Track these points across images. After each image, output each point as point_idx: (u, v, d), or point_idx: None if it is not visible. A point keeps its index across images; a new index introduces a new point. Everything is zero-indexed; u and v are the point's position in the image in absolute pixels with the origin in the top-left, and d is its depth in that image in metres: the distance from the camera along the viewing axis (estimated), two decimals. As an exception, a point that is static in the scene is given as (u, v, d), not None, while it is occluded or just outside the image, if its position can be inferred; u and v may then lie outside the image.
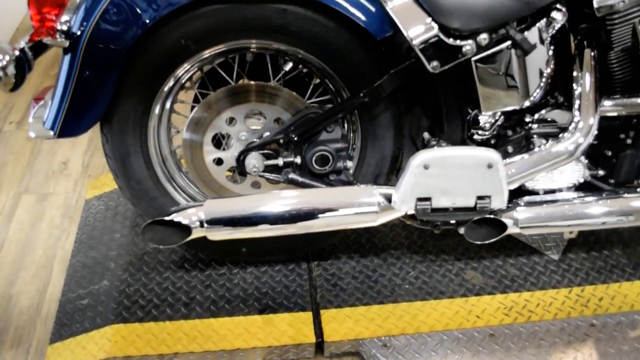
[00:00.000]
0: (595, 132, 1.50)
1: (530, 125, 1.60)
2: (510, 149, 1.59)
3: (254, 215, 1.40)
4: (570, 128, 1.51)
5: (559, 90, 1.59)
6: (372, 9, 1.41)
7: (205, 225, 1.39)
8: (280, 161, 1.54)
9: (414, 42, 1.39)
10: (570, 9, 1.50)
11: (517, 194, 1.59)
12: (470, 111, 1.57)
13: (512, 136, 1.60)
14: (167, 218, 1.38)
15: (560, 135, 1.53)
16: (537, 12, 1.43)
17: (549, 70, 1.53)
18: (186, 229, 1.39)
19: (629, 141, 1.64)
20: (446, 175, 1.39)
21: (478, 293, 1.77)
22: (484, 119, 1.56)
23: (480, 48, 1.43)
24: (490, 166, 1.40)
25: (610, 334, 1.70)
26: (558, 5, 1.44)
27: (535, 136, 1.60)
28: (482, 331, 1.68)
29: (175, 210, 1.40)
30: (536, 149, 1.52)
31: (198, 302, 1.71)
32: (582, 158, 1.59)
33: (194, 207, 1.40)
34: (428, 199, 1.42)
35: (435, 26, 1.39)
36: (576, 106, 1.51)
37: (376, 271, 1.81)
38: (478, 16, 1.38)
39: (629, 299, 1.79)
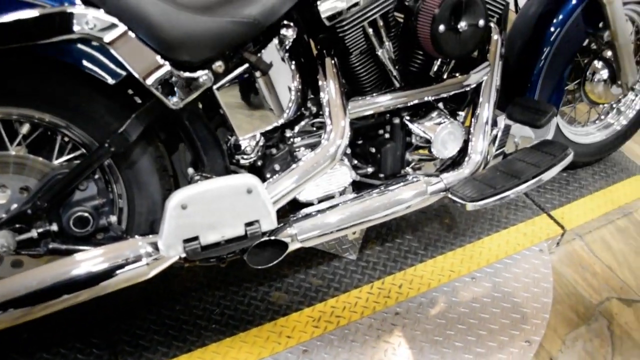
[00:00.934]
0: (349, 134, 1.55)
1: (292, 139, 1.62)
2: (277, 166, 1.59)
3: (5, 301, 1.25)
4: (325, 135, 1.54)
5: (310, 101, 1.63)
6: (97, 54, 1.33)
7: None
8: (34, 233, 1.40)
9: (148, 83, 1.33)
10: (301, 23, 1.54)
11: (294, 208, 1.60)
12: (230, 138, 1.55)
13: (276, 154, 1.60)
14: None
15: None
16: (266, 31, 1.44)
17: (295, 83, 1.56)
18: None
19: (387, 136, 1.73)
20: (207, 210, 1.35)
21: (285, 313, 1.76)
22: (245, 143, 1.55)
23: (218, 75, 1.41)
24: (250, 191, 1.38)
25: (414, 317, 1.79)
26: (286, 22, 1.47)
27: (301, 149, 1.63)
28: (294, 350, 1.67)
29: None
30: (299, 162, 1.54)
31: (-19, 408, 1.51)
32: (346, 160, 1.64)
33: None
34: (195, 238, 1.37)
35: (167, 62, 1.34)
36: (327, 113, 1.55)
37: (179, 319, 1.72)
38: (208, 45, 1.36)
39: (424, 279, 1.89)
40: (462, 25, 1.53)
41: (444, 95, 1.72)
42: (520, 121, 1.76)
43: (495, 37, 1.78)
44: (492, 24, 1.78)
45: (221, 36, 1.36)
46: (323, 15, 1.50)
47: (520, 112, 1.76)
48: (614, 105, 2.39)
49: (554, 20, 1.97)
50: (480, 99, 1.76)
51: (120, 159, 1.47)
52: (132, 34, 1.30)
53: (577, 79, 2.19)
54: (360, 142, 1.75)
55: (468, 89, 1.74)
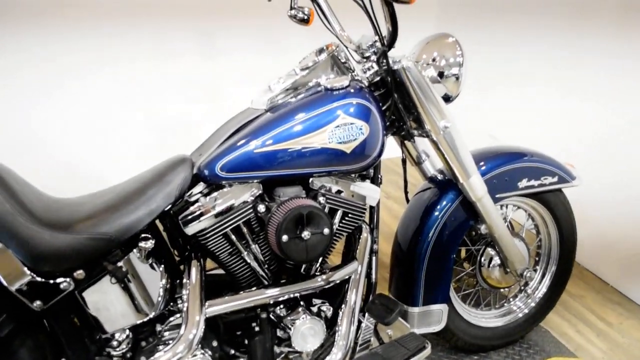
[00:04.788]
0: (203, 327, 1.70)
1: (161, 333, 1.79)
2: (143, 358, 1.74)
3: None
4: (182, 328, 1.70)
5: (179, 298, 1.81)
6: None
7: None
8: None
9: (12, 288, 1.55)
10: (164, 230, 1.77)
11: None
12: (99, 332, 1.73)
13: (146, 346, 1.76)
14: None
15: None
16: (125, 243, 1.66)
17: (163, 282, 1.75)
18: None
19: (257, 329, 1.87)
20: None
21: None
22: (117, 336, 1.72)
23: (79, 281, 1.62)
24: (92, 387, 1.54)
25: None
26: (144, 235, 1.69)
27: (170, 342, 1.78)
28: None
29: None
30: (158, 353, 1.69)
31: None
32: (207, 354, 1.78)
33: None
34: None
35: (31, 272, 1.56)
36: (185, 308, 1.72)
37: None
38: (66, 258, 1.57)
39: None
40: (306, 234, 1.72)
41: (310, 291, 1.87)
42: (375, 317, 1.88)
43: (365, 235, 1.96)
44: (363, 224, 1.97)
45: (79, 250, 1.58)
46: (188, 231, 1.73)
47: (374, 309, 1.88)
48: (522, 288, 2.47)
49: (438, 207, 2.13)
50: (347, 294, 1.91)
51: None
52: (5, 248, 1.55)
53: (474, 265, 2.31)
54: (236, 334, 1.89)
55: (333, 284, 1.89)
